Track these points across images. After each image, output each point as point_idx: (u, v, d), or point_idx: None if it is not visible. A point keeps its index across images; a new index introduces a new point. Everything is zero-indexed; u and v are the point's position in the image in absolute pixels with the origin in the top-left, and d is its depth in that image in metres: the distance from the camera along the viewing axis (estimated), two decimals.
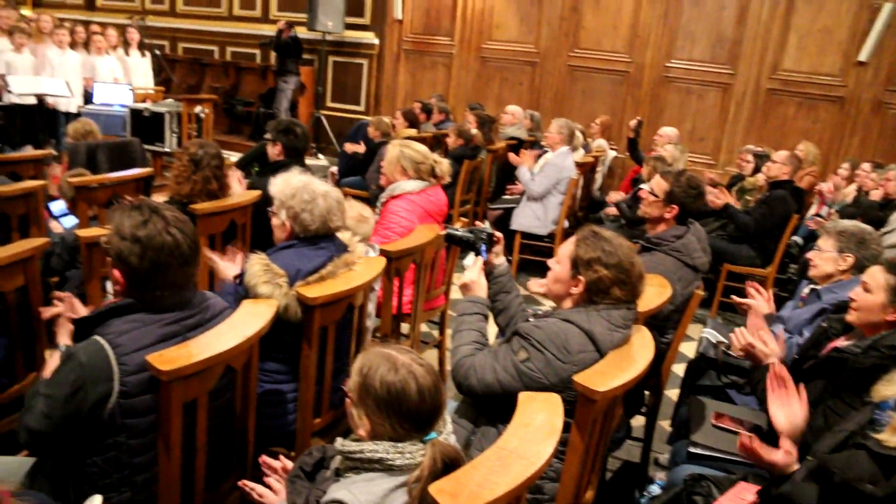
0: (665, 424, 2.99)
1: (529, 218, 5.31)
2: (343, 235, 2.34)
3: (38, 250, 2.37)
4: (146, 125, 6.66)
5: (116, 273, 1.68)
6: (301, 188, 2.21)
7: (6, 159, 3.95)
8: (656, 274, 2.54)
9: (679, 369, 3.31)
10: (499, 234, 2.31)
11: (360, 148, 5.96)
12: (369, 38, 9.32)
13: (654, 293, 2.35)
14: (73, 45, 7.77)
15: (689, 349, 3.85)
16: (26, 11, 10.86)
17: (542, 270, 5.05)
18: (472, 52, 8.76)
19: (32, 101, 7.02)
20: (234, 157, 6.49)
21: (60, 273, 3.33)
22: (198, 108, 6.83)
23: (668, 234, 2.86)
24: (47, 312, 2.06)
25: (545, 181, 5.25)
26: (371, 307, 2.73)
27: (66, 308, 1.99)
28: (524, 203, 5.39)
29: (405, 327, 3.12)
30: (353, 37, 9.35)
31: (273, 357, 2.15)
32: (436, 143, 6.00)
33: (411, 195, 3.38)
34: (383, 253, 2.60)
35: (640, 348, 1.90)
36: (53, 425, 1.58)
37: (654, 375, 2.69)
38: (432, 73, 9.14)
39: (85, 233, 2.54)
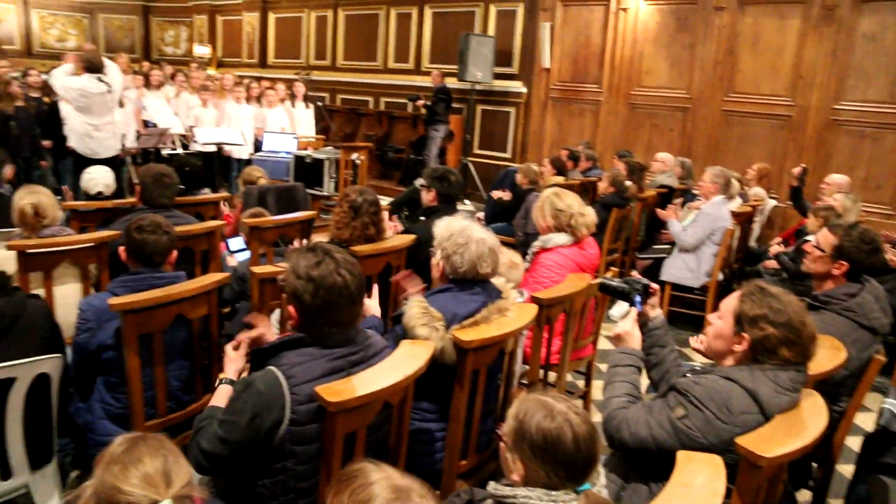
0: (836, 503, 2.72)
1: (681, 269, 5.12)
2: (497, 281, 2.41)
3: (220, 283, 2.67)
4: (307, 170, 7.24)
5: (291, 308, 1.85)
6: (458, 232, 2.32)
7: (191, 201, 4.44)
8: (827, 335, 2.36)
9: (852, 442, 3.02)
10: (654, 286, 2.27)
11: (507, 195, 6.07)
12: (517, 86, 9.56)
13: (826, 355, 2.19)
14: (248, 99, 8.71)
15: (865, 421, 3.50)
16: (211, 71, 12.31)
17: (693, 324, 4.86)
18: (621, 98, 8.70)
19: (213, 149, 7.90)
20: (385, 200, 6.86)
21: (231, 304, 3.68)
22: (354, 155, 7.32)
23: (838, 292, 2.66)
24: (243, 338, 2.23)
25: (698, 232, 5.06)
26: (518, 353, 2.76)
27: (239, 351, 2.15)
28: (676, 253, 5.22)
29: (551, 376, 3.11)
30: (501, 86, 9.63)
31: (425, 397, 2.23)
32: (583, 191, 5.99)
33: (563, 249, 3.38)
34: (534, 300, 2.63)
35: (812, 414, 1.78)
36: (229, 449, 1.74)
37: (825, 446, 2.47)
38: (579, 119, 9.17)
39: (259, 269, 2.80)
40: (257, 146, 8.32)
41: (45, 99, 7.30)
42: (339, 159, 7.35)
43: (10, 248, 3.00)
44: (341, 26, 11.99)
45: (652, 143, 8.34)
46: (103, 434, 2.46)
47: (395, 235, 3.43)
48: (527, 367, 2.86)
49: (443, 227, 2.38)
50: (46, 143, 7.08)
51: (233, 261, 4.26)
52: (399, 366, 1.90)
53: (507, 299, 2.36)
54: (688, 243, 5.10)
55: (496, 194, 6.16)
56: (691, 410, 1.76)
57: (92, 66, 6.05)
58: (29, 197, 3.21)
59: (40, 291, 3.04)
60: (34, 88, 7.38)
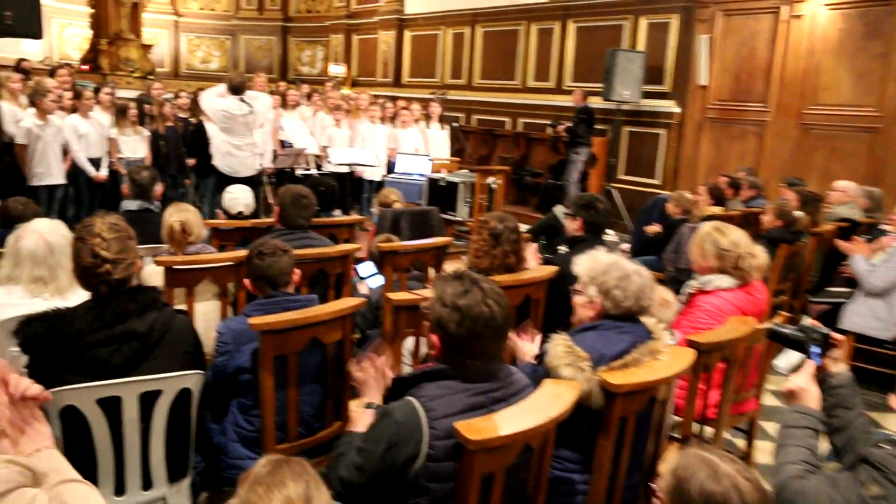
0: None
1: (866, 317, 4.71)
2: (647, 320, 2.35)
3: (356, 308, 2.79)
4: (441, 194, 7.44)
5: (434, 338, 1.91)
6: (612, 265, 2.31)
7: (325, 223, 4.70)
8: None
9: None
10: (838, 336, 2.12)
11: (658, 228, 5.91)
12: (669, 106, 9.33)
13: None
14: (382, 119, 9.12)
15: None
16: (346, 90, 13.03)
17: (882, 384, 4.45)
18: (791, 118, 8.24)
19: (345, 169, 8.34)
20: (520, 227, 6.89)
21: (362, 331, 3.84)
22: (490, 179, 7.44)
23: None
24: (360, 373, 2.34)
25: (890, 274, 4.63)
26: (670, 402, 2.66)
27: (377, 372, 2.23)
28: (861, 298, 4.81)
29: (707, 431, 2.97)
30: (650, 105, 9.44)
31: (567, 444, 2.21)
32: (744, 223, 5.70)
33: (725, 293, 3.19)
34: (690, 344, 2.54)
35: None
36: (365, 478, 1.82)
37: None
38: (741, 143, 8.78)
39: (396, 296, 2.90)
40: (390, 168, 8.67)
41: (192, 119, 8.08)
42: (474, 183, 7.50)
43: (157, 263, 3.32)
44: (479, 43, 12.30)
45: (829, 170, 7.80)
46: (235, 457, 2.64)
47: (536, 266, 3.44)
48: (679, 419, 2.75)
49: (591, 262, 2.37)
50: (191, 161, 7.80)
51: (363, 287, 4.45)
52: (542, 406, 1.90)
53: (658, 340, 2.30)
54: (876, 286, 4.69)
55: (650, 230, 5.99)
56: (890, 491, 1.61)
57: (236, 89, 6.62)
58: (178, 214, 3.55)
59: (182, 307, 3.34)
60: (182, 109, 8.19)
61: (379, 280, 4.08)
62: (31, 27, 5.12)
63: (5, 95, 6.50)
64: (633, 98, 9.21)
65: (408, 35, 13.93)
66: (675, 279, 4.64)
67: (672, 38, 9.33)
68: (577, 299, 2.40)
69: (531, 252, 3.49)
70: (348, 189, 8.32)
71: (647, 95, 9.37)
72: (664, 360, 2.26)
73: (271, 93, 10.14)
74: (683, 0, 9.13)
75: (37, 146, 6.48)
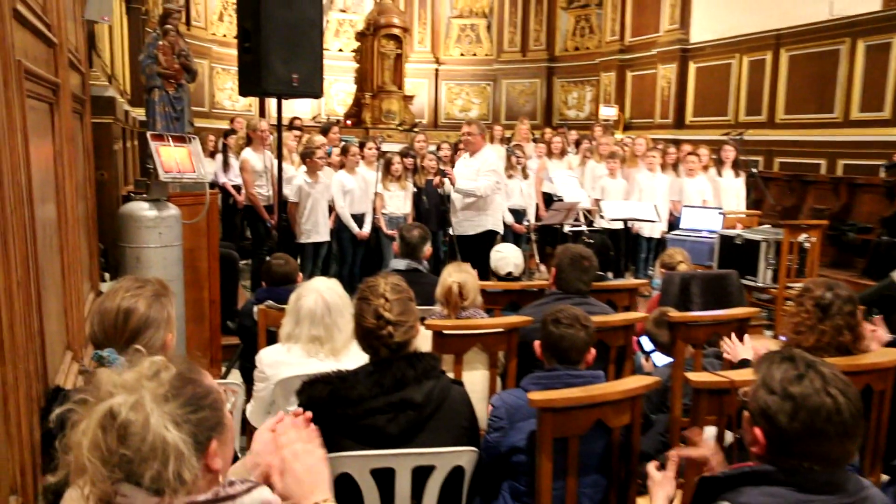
0: None
1: None
2: None
3: (648, 388, 2.75)
4: (737, 254, 7.09)
5: (757, 431, 1.80)
6: None
7: (602, 287, 4.71)
8: None
9: None
10: None
11: None
12: None
13: None
14: (662, 167, 9.02)
15: None
16: (619, 135, 13.14)
17: None
18: None
19: (619, 225, 8.33)
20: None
21: (645, 415, 3.75)
22: (802, 236, 6.94)
23: None
24: (674, 455, 2.28)
25: None
26: None
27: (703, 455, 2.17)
28: None
29: None
30: None
31: None
32: None
33: None
34: None
35: None
36: None
37: None
38: None
39: (698, 376, 2.81)
40: (673, 223, 8.51)
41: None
42: (779, 241, 7.05)
43: (427, 326, 3.57)
44: (783, 71, 11.76)
45: None
46: None
47: (877, 347, 3.13)
48: None
49: None
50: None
51: (648, 363, 4.37)
52: None
53: None
54: None
55: None
56: None
57: None
58: (457, 275, 3.80)
59: (450, 375, 3.54)
60: (444, 162, 8.83)
61: (665, 358, 3.99)
62: (313, 87, 5.96)
63: (287, 156, 7.53)
64: None
65: (693, 67, 13.76)
66: None
67: None
68: None
69: (873, 330, 3.18)
70: (623, 248, 8.29)
71: None
72: None
73: (535, 140, 10.61)
74: None
75: (307, 203, 7.39)
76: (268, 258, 5.01)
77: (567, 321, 2.84)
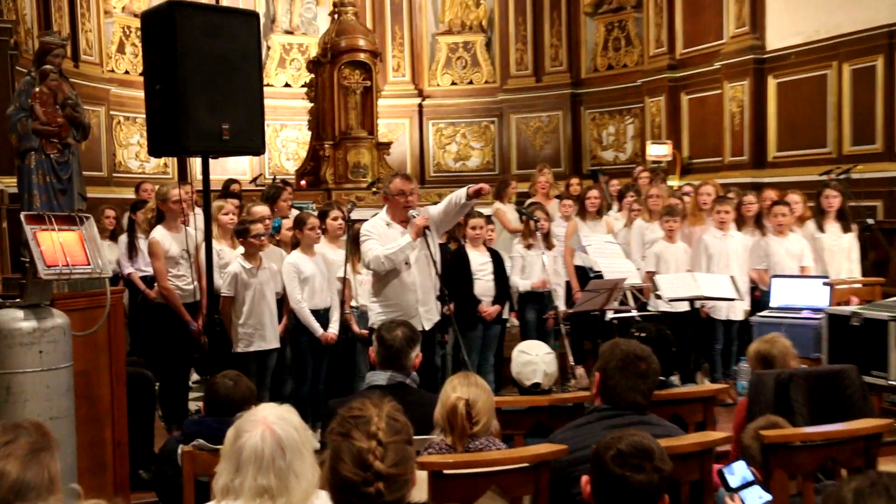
0: None
1: None
2: None
3: None
4: (854, 341, 7.01)
5: None
6: None
7: (669, 396, 4.67)
8: None
9: None
10: None
11: None
12: None
13: None
14: (737, 223, 8.93)
15: None
16: (675, 182, 13.15)
17: None
18: None
19: (684, 307, 8.25)
20: None
21: None
22: None
23: None
24: None
25: None
26: None
27: None
28: None
29: None
30: None
31: None
32: None
33: None
34: None
35: None
36: None
37: None
38: None
39: None
40: (758, 300, 8.50)
41: (451, 244, 8.71)
42: None
43: (421, 465, 3.49)
44: None
45: None
46: None
47: None
48: None
49: None
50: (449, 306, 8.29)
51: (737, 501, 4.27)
52: None
53: None
54: None
55: None
56: None
57: None
58: (463, 389, 3.75)
59: None
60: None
61: (762, 496, 3.91)
62: (251, 139, 5.90)
63: (222, 236, 7.48)
64: None
65: (772, 83, 13.72)
66: None
67: None
68: None
69: None
70: (692, 339, 8.22)
71: None
72: None
73: (559, 197, 10.60)
74: None
75: (245, 298, 7.28)
76: (211, 377, 4.87)
77: (635, 460, 2.74)
